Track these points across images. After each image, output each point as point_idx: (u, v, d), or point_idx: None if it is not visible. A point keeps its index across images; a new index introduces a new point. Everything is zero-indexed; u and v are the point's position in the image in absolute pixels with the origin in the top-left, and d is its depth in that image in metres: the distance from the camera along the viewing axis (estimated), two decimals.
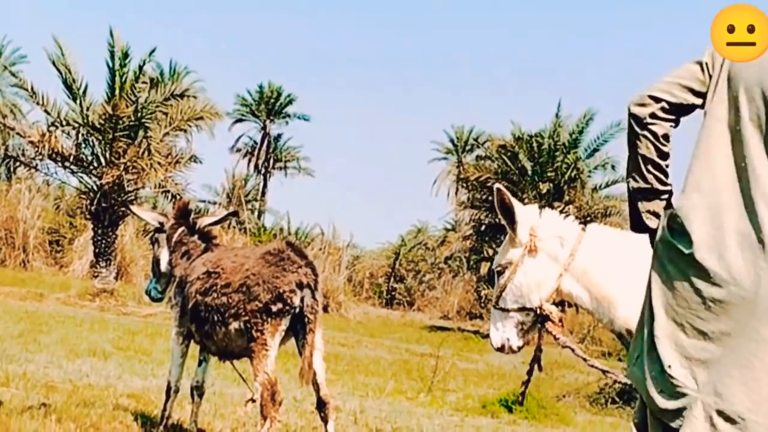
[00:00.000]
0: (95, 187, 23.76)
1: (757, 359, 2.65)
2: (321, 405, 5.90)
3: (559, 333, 4.60)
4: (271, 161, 59.28)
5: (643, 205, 3.02)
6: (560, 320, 4.60)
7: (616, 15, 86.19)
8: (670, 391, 2.75)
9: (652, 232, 3.02)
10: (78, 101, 23.69)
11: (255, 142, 59.81)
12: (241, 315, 5.76)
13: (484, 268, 31.07)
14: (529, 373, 4.92)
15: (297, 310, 5.76)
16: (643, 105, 2.93)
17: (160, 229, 6.81)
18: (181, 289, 6.34)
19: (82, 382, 8.41)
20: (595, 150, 29.54)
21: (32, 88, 23.73)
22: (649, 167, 2.96)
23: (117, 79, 23.79)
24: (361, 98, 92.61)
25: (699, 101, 2.91)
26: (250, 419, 6.87)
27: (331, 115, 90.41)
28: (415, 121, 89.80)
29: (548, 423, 10.13)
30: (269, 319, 5.69)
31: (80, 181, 24.67)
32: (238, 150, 59.87)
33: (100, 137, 23.65)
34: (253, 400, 5.65)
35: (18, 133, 24.72)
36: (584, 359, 4.81)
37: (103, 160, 23.86)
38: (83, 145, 24.06)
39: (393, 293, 43.80)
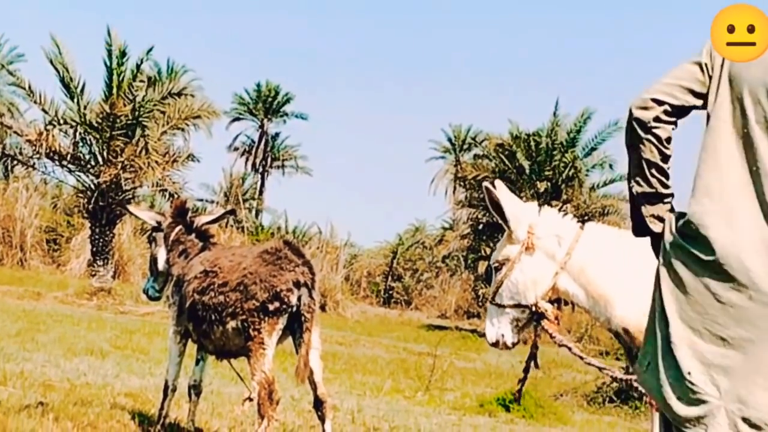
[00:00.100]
0: (93, 186, 23.74)
1: None
2: (318, 404, 5.90)
3: (555, 331, 4.61)
4: (269, 160, 59.29)
5: (646, 209, 2.97)
6: (556, 318, 4.62)
7: (614, 14, 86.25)
8: (690, 398, 2.70)
9: (654, 236, 2.98)
10: (75, 100, 23.67)
11: (252, 141, 59.86)
12: (239, 314, 5.76)
13: (481, 267, 31.05)
14: (526, 370, 4.93)
15: (294, 308, 5.76)
16: (645, 108, 2.88)
17: (157, 228, 6.81)
18: (178, 287, 6.33)
19: (79, 380, 8.40)
20: (593, 149, 29.56)
21: (30, 87, 23.71)
22: (653, 171, 2.92)
23: (114, 77, 23.75)
24: (359, 97, 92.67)
25: (699, 102, 2.88)
26: (248, 418, 6.86)
27: (329, 114, 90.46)
28: (412, 120, 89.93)
29: (546, 422, 10.13)
30: (266, 318, 5.69)
31: (78, 180, 24.68)
32: (236, 149, 59.92)
33: (98, 136, 23.62)
34: (251, 399, 5.66)
35: (15, 132, 24.70)
36: (580, 357, 4.82)
37: (100, 159, 23.84)
38: (81, 144, 24.04)
39: (390, 292, 43.82)
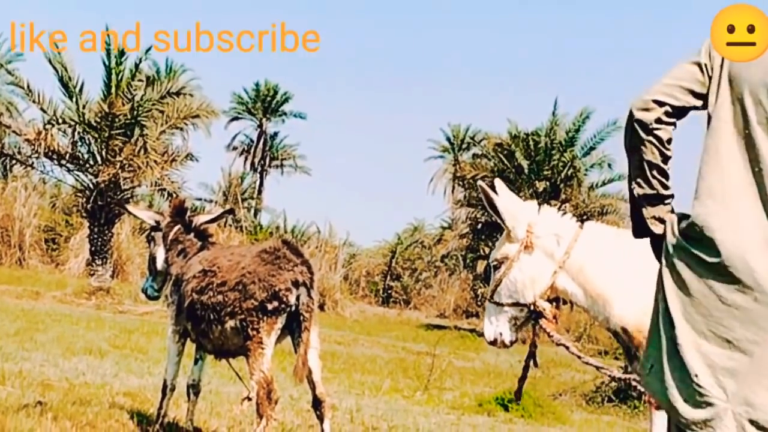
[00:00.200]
0: (91, 185, 23.74)
1: None
2: (317, 403, 5.90)
3: (554, 330, 4.61)
4: (268, 159, 59.25)
5: (647, 211, 2.95)
6: (555, 317, 4.62)
7: (613, 14, 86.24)
8: (697, 401, 2.68)
9: (654, 237, 2.97)
10: (74, 99, 23.67)
11: (251, 140, 59.80)
12: (237, 313, 5.76)
13: (480, 266, 31.07)
14: (525, 369, 4.94)
15: (293, 308, 5.76)
16: (647, 110, 2.86)
17: (156, 228, 6.80)
18: (177, 287, 6.33)
19: (78, 380, 8.40)
20: (592, 148, 29.57)
21: (28, 86, 23.71)
22: (654, 172, 2.90)
23: (113, 77, 23.75)
24: (358, 96, 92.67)
25: (699, 103, 2.86)
26: (247, 417, 6.86)
27: (327, 114, 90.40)
28: (411, 119, 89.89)
29: (545, 421, 10.13)
30: (265, 318, 5.69)
31: (76, 179, 24.69)
32: (235, 148, 59.87)
33: (96, 135, 23.62)
34: (249, 399, 5.65)
35: (14, 131, 24.67)
36: (578, 356, 4.83)
37: (99, 158, 23.84)
38: (79, 143, 24.04)
39: (389, 291, 43.82)
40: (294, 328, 5.84)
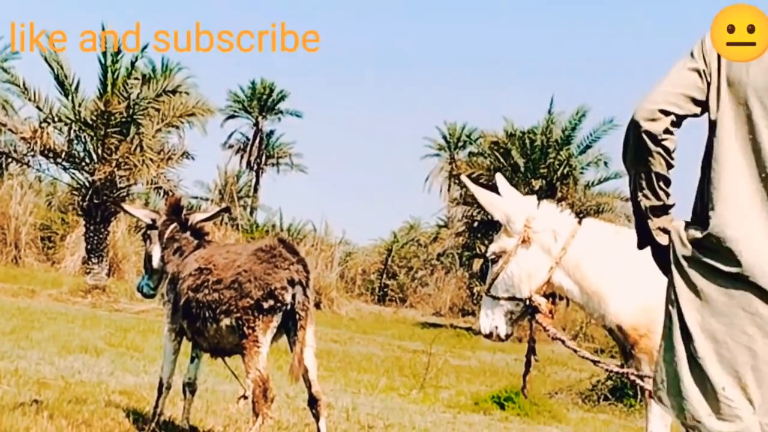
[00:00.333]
0: (87, 184, 23.71)
1: None
2: (313, 402, 5.90)
3: (550, 325, 4.62)
4: (264, 158, 59.20)
5: (653, 223, 2.89)
6: (550, 312, 4.63)
7: (608, 12, 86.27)
8: (726, 415, 2.63)
9: (657, 247, 2.91)
10: (70, 97, 23.64)
11: (247, 139, 59.73)
12: (233, 312, 5.76)
13: (476, 264, 31.06)
14: (527, 364, 4.94)
15: (288, 307, 5.76)
16: (654, 120, 2.77)
17: (152, 226, 6.80)
18: (173, 285, 6.33)
19: (74, 378, 8.40)
20: (588, 147, 29.55)
21: (24, 84, 23.68)
22: (661, 183, 2.84)
23: (109, 75, 23.72)
24: (354, 95, 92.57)
25: (699, 110, 2.81)
26: (243, 416, 6.86)
27: (323, 112, 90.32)
28: (407, 117, 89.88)
29: (540, 420, 10.14)
30: (261, 316, 5.70)
31: (72, 178, 24.65)
32: (231, 146, 59.79)
33: (92, 133, 23.59)
34: (245, 397, 5.66)
35: (10, 129, 24.61)
36: (574, 350, 4.84)
37: (95, 157, 23.81)
38: (75, 142, 24.00)
39: (385, 290, 43.78)
40: (290, 326, 5.85)
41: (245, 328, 5.70)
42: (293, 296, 5.75)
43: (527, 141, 29.22)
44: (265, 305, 5.69)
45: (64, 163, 24.06)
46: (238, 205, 43.86)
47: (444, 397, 11.31)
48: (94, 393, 7.63)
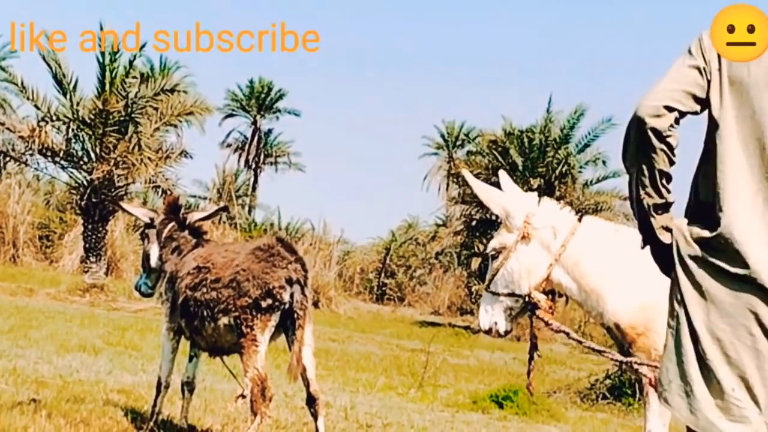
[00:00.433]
0: (85, 183, 23.73)
1: None
2: (311, 401, 5.90)
3: (551, 319, 4.62)
4: (262, 156, 59.20)
5: (656, 221, 2.86)
6: (550, 308, 4.64)
7: (607, 11, 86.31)
8: (735, 416, 2.63)
9: (659, 245, 2.89)
10: (68, 96, 23.66)
11: (245, 138, 59.72)
12: (231, 310, 5.76)
13: (474, 263, 31.05)
14: (530, 361, 4.94)
15: (287, 305, 5.76)
16: (659, 116, 2.74)
17: (150, 225, 6.79)
18: (171, 284, 6.33)
19: (72, 377, 8.39)
20: (586, 145, 29.54)
21: (22, 83, 23.69)
22: (664, 181, 2.82)
23: (107, 74, 23.73)
24: (352, 94, 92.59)
25: (699, 108, 2.80)
26: (241, 415, 6.86)
27: (321, 111, 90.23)
28: (405, 116, 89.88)
29: (539, 419, 10.14)
30: (259, 315, 5.69)
31: (70, 176, 24.68)
32: (229, 145, 59.78)
33: (91, 132, 23.60)
34: (244, 396, 5.65)
35: (8, 128, 24.63)
36: (579, 341, 4.86)
37: (93, 156, 23.82)
38: (73, 141, 24.03)
39: (384, 289, 43.82)
40: (288, 325, 5.84)
41: (243, 327, 5.70)
42: (291, 295, 5.75)
43: (526, 140, 29.22)
44: (264, 304, 5.68)
45: (62, 162, 24.09)
46: (237, 203, 43.86)
47: (442, 395, 11.31)
48: (93, 392, 7.62)
